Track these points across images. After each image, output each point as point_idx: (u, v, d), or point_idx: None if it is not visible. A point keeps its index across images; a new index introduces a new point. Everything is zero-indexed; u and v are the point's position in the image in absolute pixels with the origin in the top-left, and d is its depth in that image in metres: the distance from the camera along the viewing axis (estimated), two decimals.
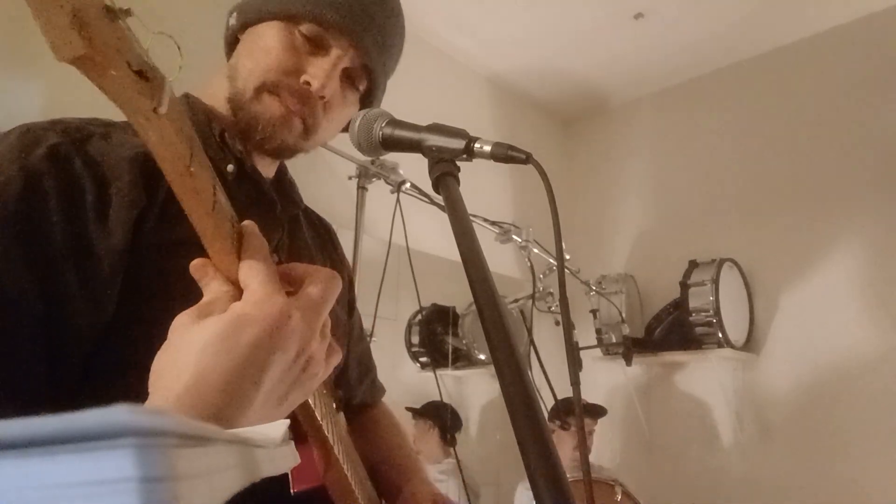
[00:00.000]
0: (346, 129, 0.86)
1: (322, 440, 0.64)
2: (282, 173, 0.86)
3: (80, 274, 0.57)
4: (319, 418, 0.61)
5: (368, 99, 0.81)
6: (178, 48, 0.42)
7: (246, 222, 0.50)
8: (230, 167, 0.73)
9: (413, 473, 0.91)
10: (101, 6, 0.33)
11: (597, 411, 2.70)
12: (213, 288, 0.47)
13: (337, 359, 0.53)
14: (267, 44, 0.73)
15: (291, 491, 0.61)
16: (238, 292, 0.47)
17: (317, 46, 0.73)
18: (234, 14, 0.79)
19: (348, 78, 0.77)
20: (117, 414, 0.22)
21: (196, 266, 0.47)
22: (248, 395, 0.42)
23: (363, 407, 1.00)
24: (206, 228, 0.45)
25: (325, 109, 0.75)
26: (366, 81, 0.79)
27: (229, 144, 0.73)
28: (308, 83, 0.72)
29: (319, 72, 0.72)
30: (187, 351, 0.42)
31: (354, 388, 0.98)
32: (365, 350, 1.03)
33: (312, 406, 0.59)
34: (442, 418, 2.58)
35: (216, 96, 0.76)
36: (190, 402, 0.40)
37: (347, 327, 0.94)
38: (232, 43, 0.79)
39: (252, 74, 0.72)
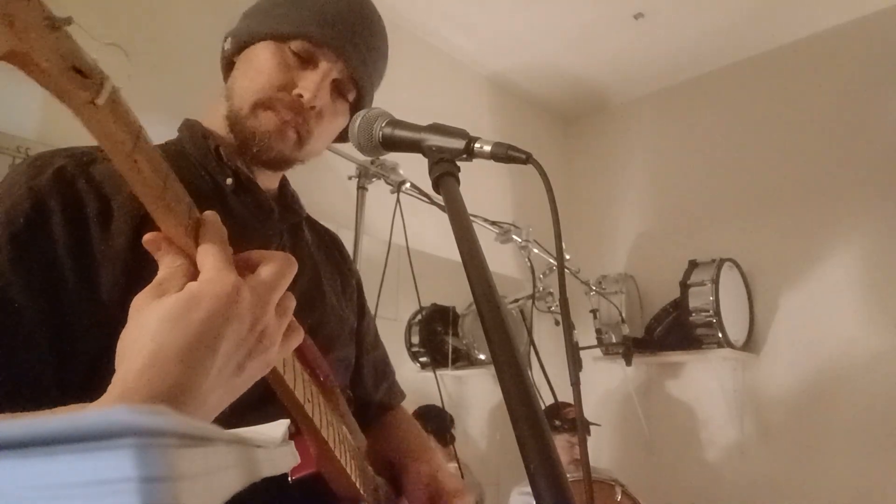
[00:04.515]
0: (340, 139, 0.90)
1: (309, 424, 0.66)
2: (284, 186, 0.91)
3: (81, 276, 0.62)
4: (301, 400, 0.63)
5: (358, 107, 0.86)
6: (127, 55, 0.47)
7: (206, 212, 0.51)
8: (229, 181, 0.79)
9: (422, 454, 0.92)
10: (43, 17, 0.37)
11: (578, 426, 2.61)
12: (167, 262, 0.48)
13: (298, 337, 0.55)
14: (261, 63, 0.79)
15: (289, 479, 0.64)
16: (194, 267, 0.49)
17: (307, 62, 0.80)
18: (229, 39, 0.85)
19: (337, 89, 0.82)
20: (118, 414, 0.22)
21: (148, 239, 0.49)
22: (205, 363, 0.44)
23: (382, 409, 1.03)
24: (160, 212, 0.47)
25: (317, 119, 0.80)
26: (354, 91, 0.84)
27: (224, 159, 0.79)
28: (300, 95, 0.78)
29: (310, 84, 0.78)
30: (145, 329, 0.44)
31: (371, 391, 1.01)
32: (381, 355, 1.05)
33: (292, 387, 0.62)
34: (433, 423, 2.57)
35: (216, 116, 0.82)
36: (151, 375, 0.42)
37: (355, 328, 0.97)
38: (227, 66, 0.85)
39: (248, 92, 0.79)
